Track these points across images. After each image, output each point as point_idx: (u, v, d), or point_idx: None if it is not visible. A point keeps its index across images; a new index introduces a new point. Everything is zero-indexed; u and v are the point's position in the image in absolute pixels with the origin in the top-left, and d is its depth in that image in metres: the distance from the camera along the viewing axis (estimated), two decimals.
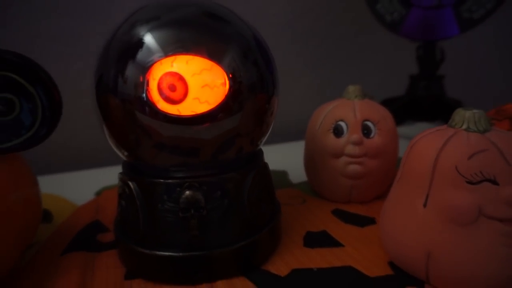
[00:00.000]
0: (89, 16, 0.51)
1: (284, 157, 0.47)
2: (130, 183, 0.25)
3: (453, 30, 0.46)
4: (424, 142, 0.24)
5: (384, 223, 0.26)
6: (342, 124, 0.34)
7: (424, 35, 0.47)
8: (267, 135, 0.29)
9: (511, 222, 0.21)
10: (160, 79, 0.23)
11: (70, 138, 0.52)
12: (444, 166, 0.22)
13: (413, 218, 0.23)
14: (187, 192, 0.24)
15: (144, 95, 0.23)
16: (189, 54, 0.23)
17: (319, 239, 0.30)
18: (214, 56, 0.24)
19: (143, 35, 0.23)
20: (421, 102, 0.50)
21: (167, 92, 0.22)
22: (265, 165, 0.28)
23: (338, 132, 0.34)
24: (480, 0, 0.44)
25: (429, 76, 0.49)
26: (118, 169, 0.28)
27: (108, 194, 0.40)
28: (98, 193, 0.41)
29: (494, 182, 0.21)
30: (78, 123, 0.52)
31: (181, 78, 0.22)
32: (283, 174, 0.45)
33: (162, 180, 0.24)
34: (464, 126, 0.23)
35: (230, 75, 0.24)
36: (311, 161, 0.36)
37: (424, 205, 0.23)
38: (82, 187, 0.42)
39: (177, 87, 0.23)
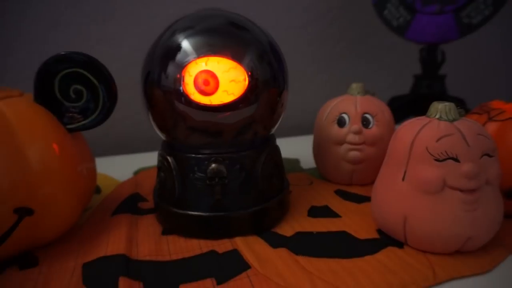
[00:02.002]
0: (127, 22, 0.58)
1: (297, 148, 0.53)
2: (169, 158, 0.31)
3: (453, 34, 0.50)
4: (405, 128, 0.29)
5: (374, 197, 0.31)
6: (345, 116, 0.39)
7: (427, 39, 0.52)
8: (278, 123, 0.34)
9: (469, 192, 0.26)
10: (196, 75, 0.29)
11: (111, 127, 0.60)
12: (418, 147, 0.27)
13: (394, 190, 0.29)
14: (213, 165, 0.30)
15: (181, 88, 0.29)
16: (217, 56, 0.29)
17: (321, 212, 0.36)
18: (237, 57, 0.30)
19: (181, 41, 0.30)
20: (424, 100, 0.54)
21: (201, 86, 0.29)
22: (276, 147, 0.34)
23: (341, 123, 0.39)
24: (479, 7, 0.48)
25: (432, 76, 0.54)
26: (152, 154, 0.35)
27: (145, 173, 0.47)
28: (136, 173, 0.48)
29: (456, 160, 0.26)
30: (117, 114, 0.59)
31: (213, 75, 0.29)
32: (295, 161, 0.50)
33: (193, 155, 0.30)
34: (437, 116, 0.28)
35: (249, 73, 0.30)
36: (318, 148, 0.42)
37: (403, 179, 0.28)
38: (122, 168, 0.49)
39: (210, 82, 0.29)
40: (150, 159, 0.53)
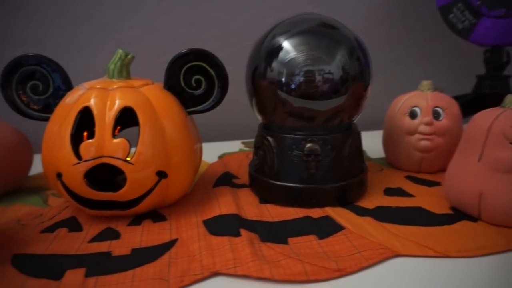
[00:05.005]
0: (209, 26, 0.65)
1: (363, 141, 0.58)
2: (269, 138, 0.37)
3: None
4: (481, 117, 0.33)
5: (448, 177, 0.36)
6: (416, 109, 0.44)
7: (491, 41, 0.55)
8: (360, 114, 0.39)
9: None
10: (295, 69, 0.34)
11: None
12: (495, 132, 0.31)
13: (470, 170, 0.33)
14: (309, 144, 0.35)
15: (282, 79, 0.35)
16: (312, 53, 0.35)
17: (395, 192, 0.40)
18: (330, 54, 0.35)
19: (281, 42, 0.36)
20: (486, 99, 0.57)
21: (299, 78, 0.34)
22: (359, 133, 0.39)
23: (413, 115, 0.44)
24: None
25: (495, 77, 0.57)
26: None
27: (228, 157, 0.53)
28: (221, 157, 0.54)
29: None
30: None
31: (310, 70, 0.34)
32: (363, 152, 0.55)
33: (292, 136, 0.36)
34: None
35: (341, 68, 0.35)
36: (389, 138, 0.47)
37: (478, 160, 0.32)
38: (208, 153, 0.56)
39: (307, 76, 0.34)
40: (226, 146, 0.60)
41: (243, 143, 0.62)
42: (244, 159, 0.53)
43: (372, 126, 0.66)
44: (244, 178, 0.45)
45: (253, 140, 0.41)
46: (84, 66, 0.62)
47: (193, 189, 0.42)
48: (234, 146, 0.60)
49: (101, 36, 0.62)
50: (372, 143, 0.54)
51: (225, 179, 0.44)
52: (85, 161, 0.31)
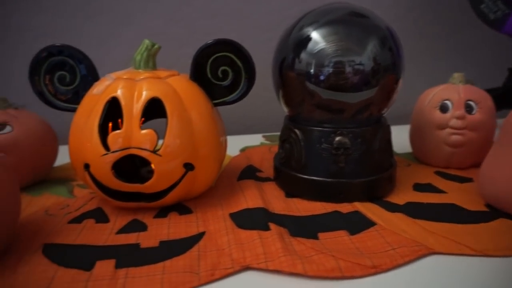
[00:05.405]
0: (230, 18, 0.64)
1: None
2: (296, 130, 0.36)
3: None
4: None
5: (484, 173, 0.34)
6: (448, 102, 0.42)
7: None
8: (390, 107, 0.38)
9: None
10: (324, 60, 0.33)
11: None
12: None
13: (510, 166, 0.31)
14: (339, 137, 0.34)
15: (311, 70, 0.34)
16: (342, 43, 0.34)
17: (425, 188, 0.39)
18: (361, 44, 0.34)
19: (310, 32, 0.35)
20: None
21: (328, 69, 0.33)
22: (388, 126, 0.38)
23: (443, 108, 0.42)
24: None
25: None
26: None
27: (251, 150, 0.53)
28: (242, 150, 0.54)
29: None
30: None
31: (341, 61, 0.33)
32: None
33: (320, 128, 0.35)
34: None
35: (372, 59, 0.34)
36: (417, 132, 0.45)
37: None
38: (229, 146, 0.55)
39: (339, 67, 0.33)
40: (247, 139, 0.59)
41: (264, 136, 0.61)
42: (266, 152, 0.52)
43: (396, 120, 0.64)
44: (268, 171, 0.44)
45: (274, 133, 0.41)
46: (105, 57, 0.62)
47: (217, 182, 0.42)
48: (255, 139, 0.60)
49: (122, 27, 0.62)
50: (397, 137, 0.52)
51: (249, 173, 0.44)
52: (113, 152, 0.31)
